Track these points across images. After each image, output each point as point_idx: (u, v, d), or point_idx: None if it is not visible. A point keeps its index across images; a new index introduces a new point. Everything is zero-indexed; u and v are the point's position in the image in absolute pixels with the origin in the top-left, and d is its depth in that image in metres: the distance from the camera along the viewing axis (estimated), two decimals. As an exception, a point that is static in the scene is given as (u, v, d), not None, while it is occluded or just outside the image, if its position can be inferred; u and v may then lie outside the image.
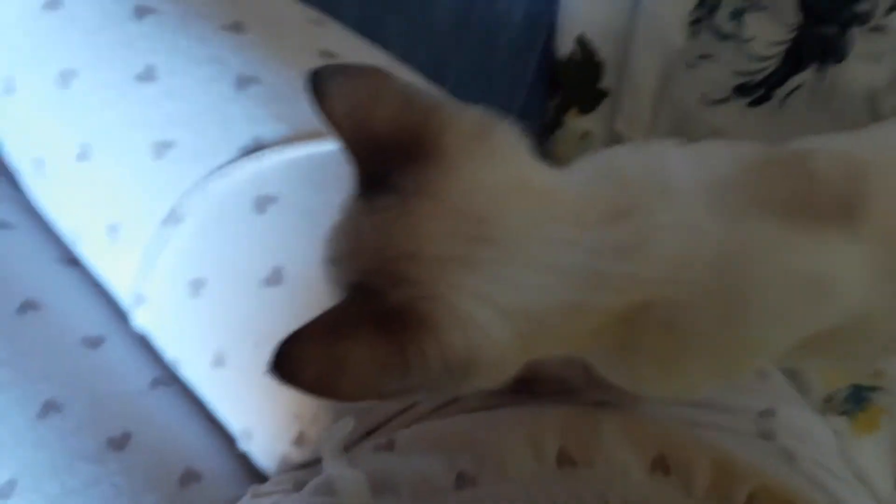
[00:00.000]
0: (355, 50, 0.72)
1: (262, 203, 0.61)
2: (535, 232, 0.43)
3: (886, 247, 0.49)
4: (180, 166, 0.62)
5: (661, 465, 0.54)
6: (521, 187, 0.44)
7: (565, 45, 0.94)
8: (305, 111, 0.62)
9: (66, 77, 0.64)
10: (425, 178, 0.42)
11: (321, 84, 0.43)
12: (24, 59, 0.67)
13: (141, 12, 0.64)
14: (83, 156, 0.64)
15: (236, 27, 0.65)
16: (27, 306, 0.65)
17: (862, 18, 0.82)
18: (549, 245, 0.43)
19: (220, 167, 0.62)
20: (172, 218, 0.62)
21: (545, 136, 0.95)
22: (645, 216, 0.45)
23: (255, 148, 0.62)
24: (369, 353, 0.39)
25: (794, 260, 0.46)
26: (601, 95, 0.93)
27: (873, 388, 0.83)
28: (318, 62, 0.65)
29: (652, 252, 0.44)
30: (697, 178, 0.47)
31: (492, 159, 0.43)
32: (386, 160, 0.42)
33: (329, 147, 0.62)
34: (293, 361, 0.38)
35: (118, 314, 0.69)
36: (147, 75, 0.63)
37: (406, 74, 0.73)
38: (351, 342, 0.39)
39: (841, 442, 0.74)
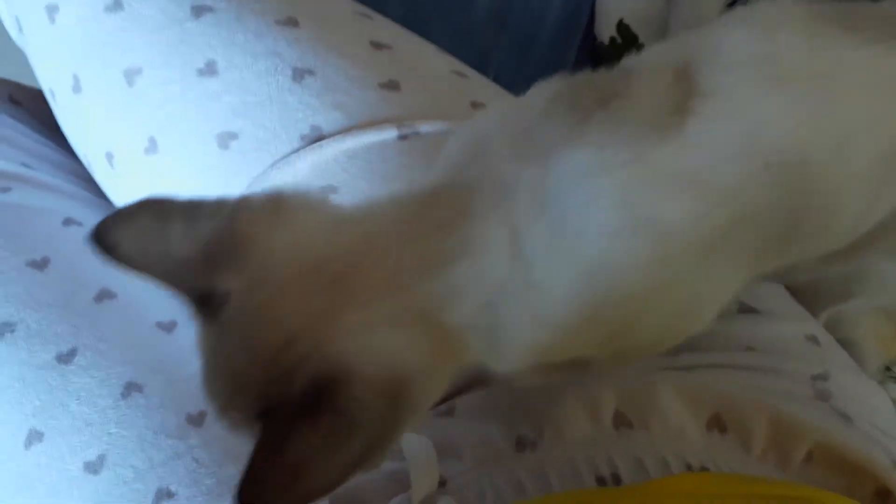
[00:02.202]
0: (404, 39, 0.74)
1: (324, 193, 0.63)
2: (371, 251, 0.43)
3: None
4: (245, 156, 0.65)
5: (717, 424, 0.55)
6: (335, 227, 0.44)
7: (606, 31, 0.95)
8: (360, 100, 0.66)
9: (130, 75, 0.67)
10: (250, 271, 0.41)
11: (104, 239, 0.43)
12: (89, 59, 0.69)
13: (198, 11, 0.67)
14: (151, 149, 0.67)
15: (290, 22, 0.67)
16: (103, 295, 0.67)
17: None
18: (392, 257, 0.43)
19: (284, 157, 0.64)
20: None
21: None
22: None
23: (314, 136, 0.64)
24: (316, 438, 0.38)
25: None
26: (642, 77, 0.94)
27: (930, 356, 0.83)
28: (369, 53, 0.68)
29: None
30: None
31: (294, 222, 0.43)
32: (204, 275, 0.42)
33: (384, 136, 0.64)
34: (268, 497, 0.38)
35: None
36: (208, 70, 0.65)
37: (451, 63, 0.75)
38: (295, 444, 0.38)
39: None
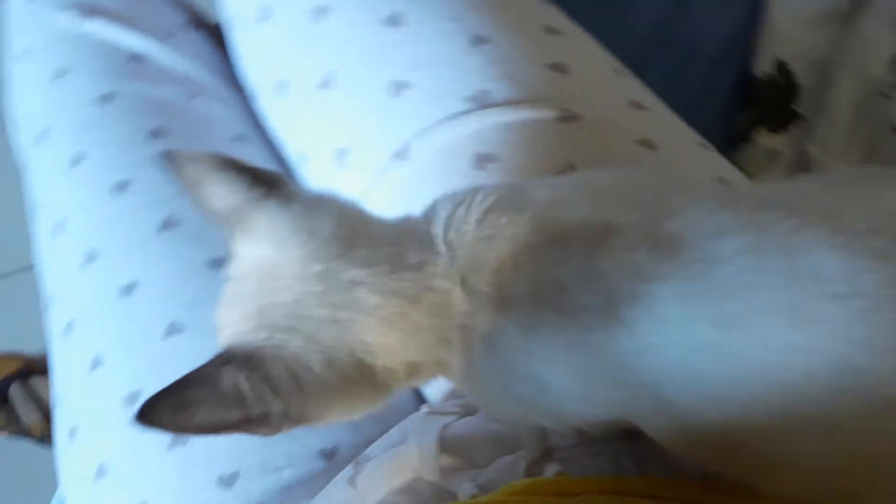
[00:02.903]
0: (573, 29, 0.75)
1: (483, 160, 0.64)
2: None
3: None
4: (414, 106, 0.67)
5: None
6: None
7: (764, 65, 0.95)
8: (528, 75, 0.67)
9: (320, 12, 0.70)
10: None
11: (174, 161, 0.47)
12: None
13: None
14: (325, 84, 0.70)
15: None
16: None
17: None
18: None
19: (452, 117, 0.66)
20: (402, 153, 0.66)
21: (731, 149, 0.96)
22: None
23: (482, 99, 0.66)
24: (215, 390, 0.41)
25: None
26: (793, 116, 0.94)
27: None
28: (542, 34, 0.70)
29: None
30: None
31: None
32: (226, 230, 0.47)
33: (545, 115, 0.66)
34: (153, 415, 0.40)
35: None
36: (393, 21, 0.68)
37: (613, 61, 0.76)
38: (199, 384, 0.41)
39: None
